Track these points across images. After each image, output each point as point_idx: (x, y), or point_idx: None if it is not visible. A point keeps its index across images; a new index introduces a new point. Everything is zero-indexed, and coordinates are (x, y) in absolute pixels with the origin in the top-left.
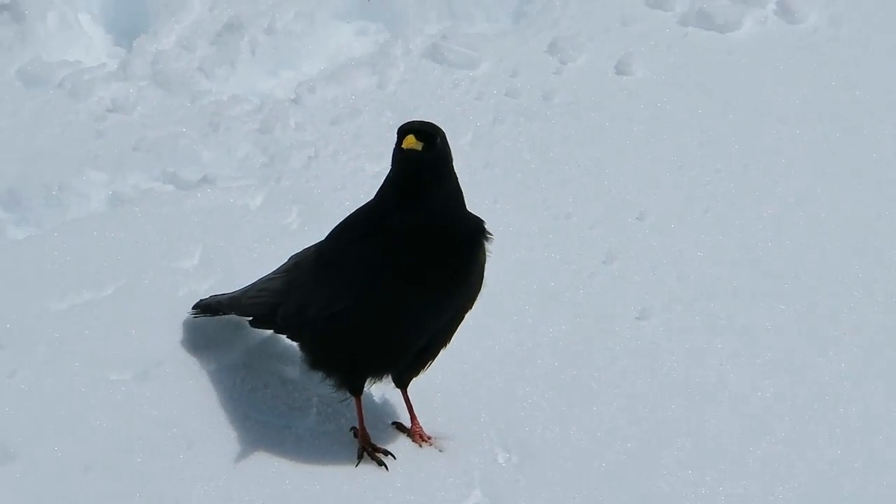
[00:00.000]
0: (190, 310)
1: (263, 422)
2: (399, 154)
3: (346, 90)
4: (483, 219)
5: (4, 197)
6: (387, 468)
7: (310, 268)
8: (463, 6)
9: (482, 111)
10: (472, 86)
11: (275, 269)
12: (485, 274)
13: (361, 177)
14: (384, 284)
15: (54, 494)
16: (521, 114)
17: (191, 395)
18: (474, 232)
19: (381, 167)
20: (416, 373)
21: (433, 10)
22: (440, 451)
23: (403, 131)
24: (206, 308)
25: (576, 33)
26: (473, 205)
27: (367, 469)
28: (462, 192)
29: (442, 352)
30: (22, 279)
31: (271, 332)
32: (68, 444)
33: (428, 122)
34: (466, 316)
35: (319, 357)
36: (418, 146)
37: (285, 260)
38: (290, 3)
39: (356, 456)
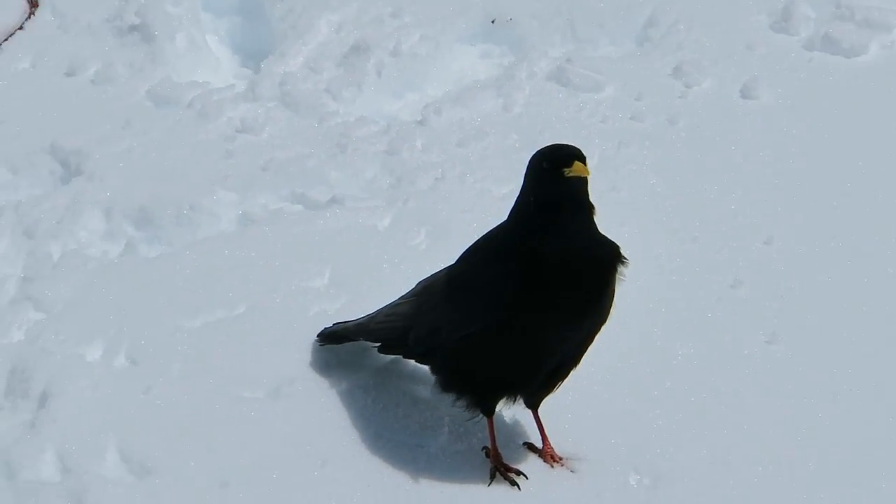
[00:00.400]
0: (315, 338)
1: (395, 441)
2: (559, 180)
3: (472, 112)
4: (617, 243)
5: (136, 216)
6: (519, 488)
7: (441, 290)
8: (587, 29)
9: (607, 134)
10: (597, 109)
11: (402, 294)
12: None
13: (488, 199)
14: (519, 307)
15: None
16: (646, 137)
17: (323, 413)
18: (612, 255)
19: (507, 189)
20: (547, 393)
21: (557, 33)
22: (572, 471)
23: (566, 157)
24: (332, 336)
25: (700, 57)
26: (600, 228)
27: (499, 489)
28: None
29: (572, 373)
30: (154, 297)
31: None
32: (204, 460)
33: (574, 146)
34: (596, 338)
35: (451, 379)
36: (588, 172)
37: (413, 281)
38: (416, 26)
39: (488, 475)
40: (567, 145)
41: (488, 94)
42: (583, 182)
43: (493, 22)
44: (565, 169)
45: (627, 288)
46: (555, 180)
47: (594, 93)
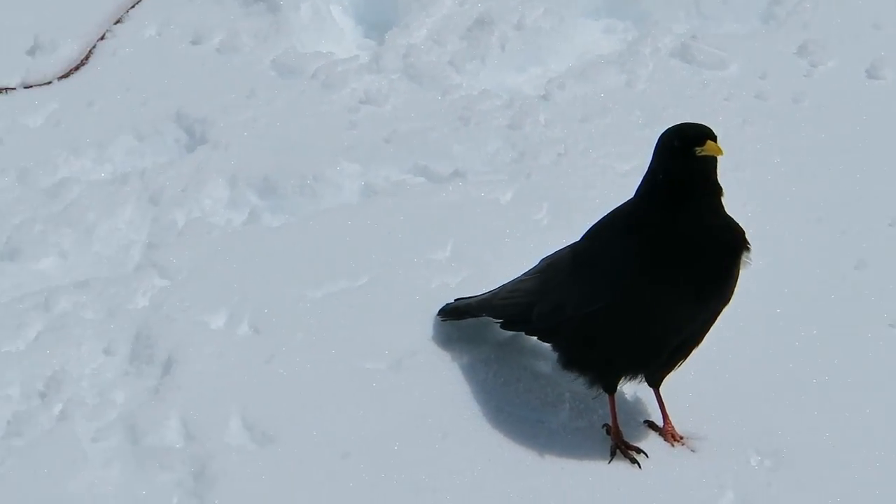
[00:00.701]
0: (437, 314)
1: (516, 416)
2: (690, 159)
3: (595, 88)
4: (742, 227)
5: (260, 185)
6: (640, 466)
7: (566, 266)
8: (711, 6)
9: (731, 113)
10: (720, 87)
11: (524, 270)
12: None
13: (611, 175)
14: (645, 284)
15: (313, 478)
16: (770, 116)
17: (444, 386)
18: (739, 238)
19: (630, 166)
20: (668, 371)
21: (681, 9)
22: (692, 451)
23: (698, 136)
24: (454, 312)
25: (826, 36)
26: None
27: (620, 466)
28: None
29: (694, 352)
30: (278, 266)
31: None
32: (326, 430)
33: (705, 125)
34: (718, 318)
35: (574, 356)
36: (721, 152)
37: (535, 256)
38: (540, 0)
39: (609, 453)
40: (698, 124)
41: (611, 70)
42: (713, 162)
43: None
44: (697, 148)
45: (750, 267)
46: (686, 159)
47: (718, 70)
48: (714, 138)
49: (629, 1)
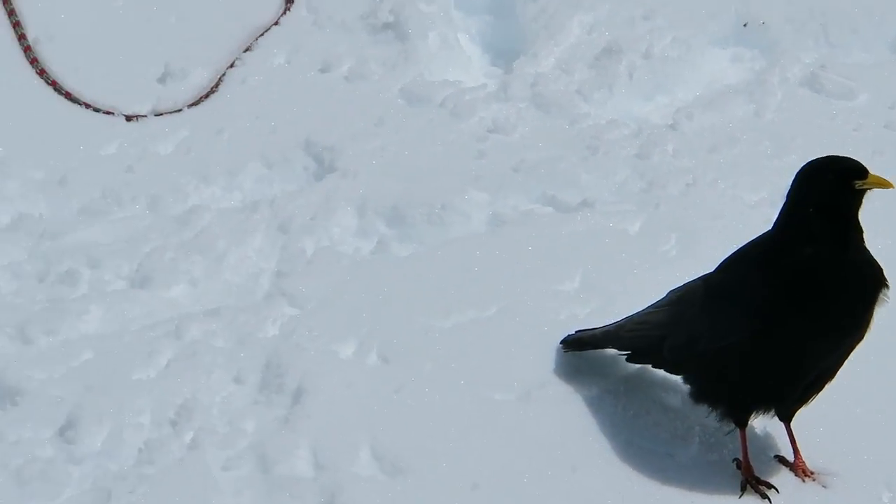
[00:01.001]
0: (560, 343)
1: (646, 449)
2: (848, 192)
3: (723, 117)
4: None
5: (388, 214)
6: (770, 501)
7: (699, 299)
8: (840, 35)
9: (861, 143)
10: (850, 117)
11: (652, 302)
12: None
13: (739, 205)
14: (784, 318)
15: None
16: None
17: (573, 418)
18: (879, 275)
19: (758, 196)
20: (801, 406)
21: (810, 38)
22: (823, 486)
23: (858, 169)
24: (576, 343)
25: None
26: None
27: (750, 501)
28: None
29: (827, 386)
30: (406, 296)
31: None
32: (456, 461)
33: (854, 159)
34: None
35: (705, 389)
36: (891, 185)
37: (663, 287)
38: (668, 28)
39: (739, 488)
40: (847, 157)
41: (740, 99)
42: (863, 196)
43: (745, 25)
44: (857, 181)
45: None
46: (844, 192)
47: (847, 100)
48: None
49: (757, 30)
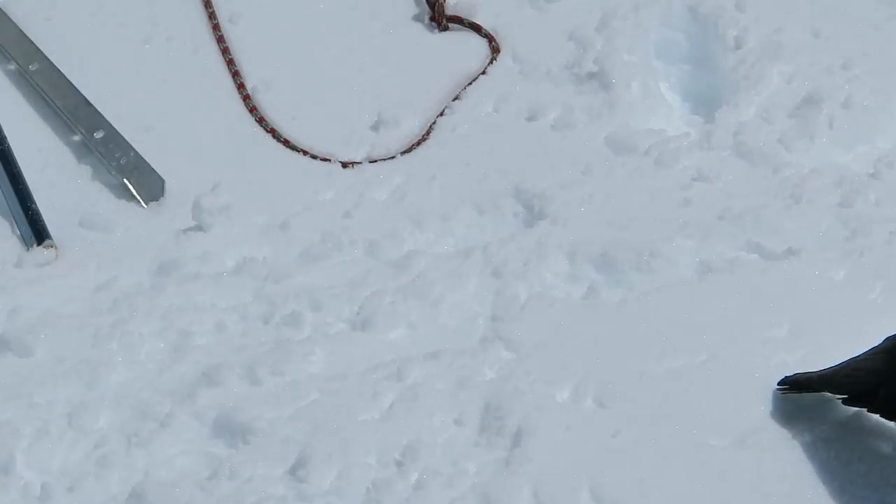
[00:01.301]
0: (776, 385)
1: (858, 496)
2: None
3: None
4: None
5: (598, 260)
6: None
7: None
8: None
9: None
10: None
11: (868, 348)
12: None
13: None
14: None
15: None
16: None
17: (787, 464)
18: None
19: None
20: None
21: None
22: None
23: None
24: (795, 384)
25: None
26: None
27: None
28: None
29: None
30: (618, 341)
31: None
32: None
33: None
34: None
35: None
36: None
37: (871, 335)
38: (867, 78)
39: None
40: None
41: None
42: None
43: None
44: None
45: None
46: None
47: None
48: None
49: None
